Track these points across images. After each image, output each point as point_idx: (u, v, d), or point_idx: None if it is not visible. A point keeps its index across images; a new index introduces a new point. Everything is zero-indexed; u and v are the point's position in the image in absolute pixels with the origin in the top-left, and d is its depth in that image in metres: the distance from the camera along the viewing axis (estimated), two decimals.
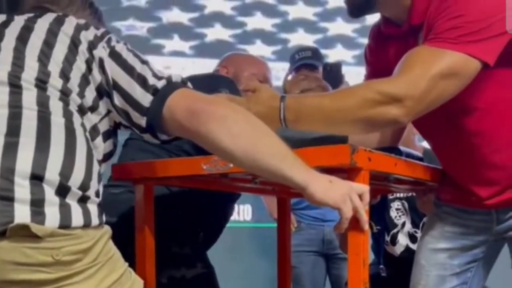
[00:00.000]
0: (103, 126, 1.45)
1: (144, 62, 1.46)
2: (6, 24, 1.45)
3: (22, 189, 1.22)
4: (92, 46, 1.44)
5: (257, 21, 4.44)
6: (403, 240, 2.71)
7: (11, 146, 1.26)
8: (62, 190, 1.26)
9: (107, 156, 1.47)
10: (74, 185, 1.28)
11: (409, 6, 1.66)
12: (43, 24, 1.45)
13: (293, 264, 2.64)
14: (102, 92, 1.43)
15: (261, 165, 1.38)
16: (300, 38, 4.42)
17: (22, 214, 1.21)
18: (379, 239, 2.71)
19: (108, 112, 1.45)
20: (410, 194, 2.63)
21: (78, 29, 1.45)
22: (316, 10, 4.47)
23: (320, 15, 4.46)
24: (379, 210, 2.59)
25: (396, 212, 2.72)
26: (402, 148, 1.78)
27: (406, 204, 2.71)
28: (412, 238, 2.66)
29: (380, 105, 1.52)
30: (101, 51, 1.44)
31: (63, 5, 1.61)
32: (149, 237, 1.80)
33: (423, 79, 1.52)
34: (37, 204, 1.22)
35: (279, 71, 4.46)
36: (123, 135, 1.77)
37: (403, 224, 2.71)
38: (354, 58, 4.43)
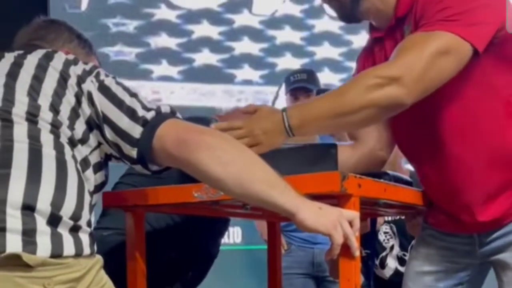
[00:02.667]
0: (94, 158, 1.45)
1: (133, 95, 1.48)
2: None
3: (13, 219, 1.23)
4: (80, 80, 1.45)
5: (245, 46, 4.46)
6: (392, 263, 2.72)
7: (3, 177, 1.27)
8: (54, 220, 1.27)
9: (98, 188, 1.48)
10: (66, 215, 1.29)
11: (395, 2, 1.70)
12: (32, 60, 1.47)
13: (284, 287, 2.64)
14: (92, 125, 1.45)
15: (251, 193, 1.39)
16: (288, 62, 4.45)
17: (14, 243, 1.22)
18: (368, 262, 2.72)
19: (99, 144, 1.46)
20: (398, 217, 2.64)
21: (67, 64, 1.47)
22: (303, 35, 4.51)
23: (307, 39, 4.49)
24: (368, 234, 2.60)
25: (385, 235, 2.73)
26: (391, 172, 1.80)
27: (394, 228, 2.73)
28: (401, 261, 2.67)
29: (381, 87, 1.52)
30: (89, 85, 1.45)
31: (50, 39, 1.64)
32: (141, 264, 1.80)
33: (419, 58, 1.54)
34: (28, 234, 1.23)
35: (267, 95, 4.48)
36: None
37: (392, 247, 2.73)
38: (341, 82, 4.45)
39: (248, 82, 4.48)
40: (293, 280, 3.50)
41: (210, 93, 4.36)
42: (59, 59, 1.48)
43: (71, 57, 1.51)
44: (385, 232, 2.74)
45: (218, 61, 4.42)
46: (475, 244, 1.79)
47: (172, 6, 4.37)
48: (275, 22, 4.51)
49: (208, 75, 4.39)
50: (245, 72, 4.46)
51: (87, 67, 1.49)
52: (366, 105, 1.53)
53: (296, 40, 4.52)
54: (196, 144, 1.39)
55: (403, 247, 2.70)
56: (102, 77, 1.48)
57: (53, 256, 1.24)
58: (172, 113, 1.48)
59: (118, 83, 1.49)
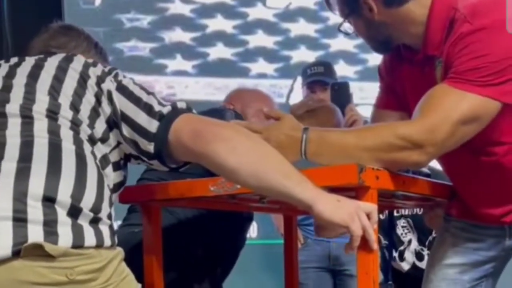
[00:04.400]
0: (113, 157, 1.48)
1: (150, 93, 1.51)
2: (18, 64, 1.52)
3: (34, 211, 1.25)
4: (100, 80, 1.48)
5: (259, 39, 4.44)
6: (409, 258, 2.70)
7: (23, 171, 1.29)
8: (74, 211, 1.29)
9: (117, 187, 1.49)
10: (86, 207, 1.31)
11: (423, 35, 1.67)
12: (53, 62, 1.51)
13: (300, 281, 2.63)
14: (111, 123, 1.47)
15: (267, 184, 1.39)
16: (302, 55, 4.42)
17: (35, 234, 1.23)
18: (385, 256, 2.70)
19: (118, 143, 1.49)
20: (415, 211, 2.63)
21: (87, 65, 1.51)
22: (317, 27, 4.48)
23: (322, 32, 4.47)
24: (385, 227, 2.59)
25: (402, 229, 2.72)
26: None
27: (411, 222, 2.71)
28: (419, 255, 2.65)
29: (403, 150, 1.54)
30: (109, 84, 1.48)
31: (70, 48, 1.67)
32: (158, 258, 1.80)
33: (444, 125, 1.54)
34: (49, 225, 1.25)
35: (282, 88, 4.46)
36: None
37: (409, 242, 2.71)
38: (356, 74, 4.44)
39: (262, 76, 4.46)
40: (309, 274, 3.49)
41: (224, 87, 4.34)
42: (79, 61, 1.52)
43: (90, 60, 1.55)
44: (402, 226, 2.72)
45: (233, 55, 4.41)
46: (505, 235, 1.78)
47: (185, 0, 4.36)
48: (289, 14, 4.48)
49: (222, 69, 4.38)
50: (260, 65, 4.45)
51: (106, 69, 1.52)
52: (384, 161, 1.55)
53: (311, 33, 4.50)
54: (211, 136, 1.40)
55: (421, 242, 2.68)
56: (120, 77, 1.51)
57: (74, 246, 1.26)
58: (188, 109, 1.50)
59: (135, 83, 1.52)
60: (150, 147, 1.46)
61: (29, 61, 1.52)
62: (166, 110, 1.47)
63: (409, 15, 1.67)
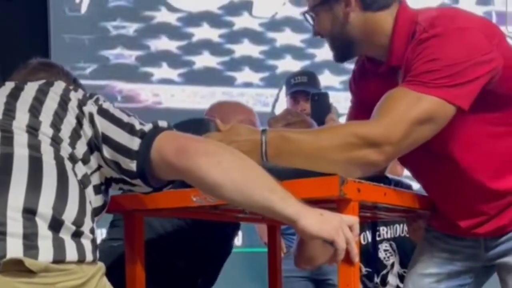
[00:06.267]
0: (94, 180, 1.46)
1: (131, 115, 1.51)
2: None
3: (14, 223, 1.23)
4: (82, 103, 1.48)
5: (245, 48, 4.46)
6: (393, 281, 2.71)
7: (3, 183, 1.27)
8: (55, 224, 1.27)
9: (98, 211, 1.47)
10: (68, 220, 1.29)
11: (388, 47, 1.70)
12: (33, 85, 1.50)
13: None
14: (93, 146, 1.46)
15: (251, 199, 1.39)
16: (288, 65, 4.44)
17: (14, 248, 1.21)
18: (366, 285, 2.71)
19: (99, 167, 1.47)
20: (397, 234, 2.64)
21: (67, 90, 1.50)
22: (303, 37, 4.49)
23: (308, 42, 4.48)
24: (369, 252, 2.59)
25: (385, 253, 2.72)
26: (390, 176, 1.80)
27: (394, 245, 2.71)
28: (402, 278, 2.66)
29: (359, 149, 1.54)
30: (90, 107, 1.47)
31: None
32: (139, 269, 1.80)
33: (400, 125, 1.55)
34: (29, 238, 1.23)
35: (267, 97, 4.48)
36: None
37: (392, 265, 2.71)
38: (342, 84, 4.45)
39: (248, 85, 4.47)
40: (293, 283, 3.49)
41: (210, 96, 4.35)
42: (59, 85, 1.52)
43: (71, 86, 1.55)
44: (385, 250, 2.72)
45: (219, 64, 4.42)
46: (480, 247, 1.80)
47: (172, 9, 4.36)
48: (275, 24, 4.50)
49: (208, 77, 4.39)
50: (246, 74, 4.46)
51: (87, 94, 1.52)
52: (341, 161, 1.54)
53: (297, 42, 4.52)
54: (195, 151, 1.39)
55: (403, 265, 2.68)
56: (100, 101, 1.51)
57: (55, 261, 1.23)
58: (169, 127, 1.49)
59: (115, 107, 1.52)
60: (132, 165, 1.44)
61: (9, 84, 1.51)
62: (147, 128, 1.46)
63: (379, 23, 1.70)
